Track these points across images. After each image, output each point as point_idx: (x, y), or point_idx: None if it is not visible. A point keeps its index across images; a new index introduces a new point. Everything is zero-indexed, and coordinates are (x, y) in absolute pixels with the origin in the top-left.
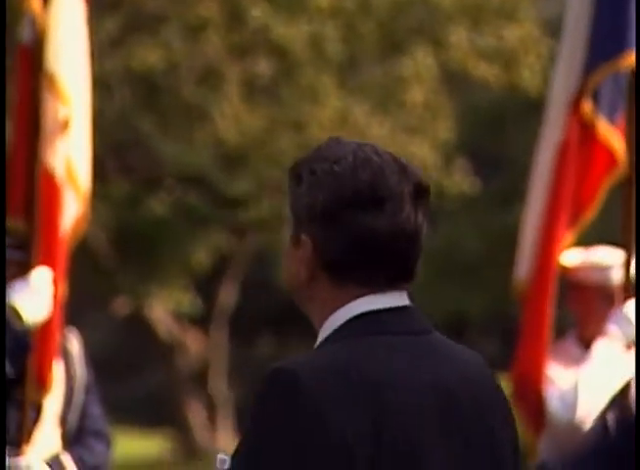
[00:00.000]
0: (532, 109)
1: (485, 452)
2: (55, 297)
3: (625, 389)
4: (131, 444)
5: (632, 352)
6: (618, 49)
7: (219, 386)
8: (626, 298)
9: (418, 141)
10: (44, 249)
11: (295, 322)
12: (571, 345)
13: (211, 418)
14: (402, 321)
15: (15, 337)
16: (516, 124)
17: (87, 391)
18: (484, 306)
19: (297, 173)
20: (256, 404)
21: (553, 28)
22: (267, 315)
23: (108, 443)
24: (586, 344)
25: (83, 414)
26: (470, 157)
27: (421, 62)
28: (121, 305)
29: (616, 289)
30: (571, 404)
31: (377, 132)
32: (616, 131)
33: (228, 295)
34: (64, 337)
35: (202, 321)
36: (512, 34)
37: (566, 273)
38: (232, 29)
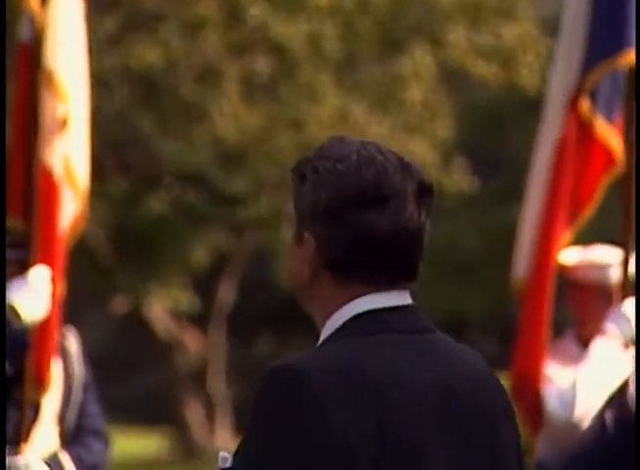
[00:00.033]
0: (531, 107)
1: (486, 451)
2: (53, 295)
3: (623, 387)
4: (129, 442)
5: (630, 351)
6: (616, 48)
7: (218, 384)
8: (624, 296)
9: (417, 140)
10: (42, 247)
11: (293, 321)
12: (569, 343)
13: (210, 417)
14: (405, 320)
15: (13, 335)
16: (514, 123)
17: (85, 389)
18: (483, 305)
19: (300, 172)
20: (257, 402)
21: (551, 27)
22: (266, 314)
23: (106, 441)
24: (584, 342)
25: (81, 413)
26: (468, 155)
27: (419, 60)
28: (120, 304)
29: (614, 288)
30: (570, 403)
31: (375, 131)
32: (613, 130)
33: (227, 293)
34: (62, 335)
35: (200, 320)
36: (510, 33)
37: (564, 272)
38: (231, 28)
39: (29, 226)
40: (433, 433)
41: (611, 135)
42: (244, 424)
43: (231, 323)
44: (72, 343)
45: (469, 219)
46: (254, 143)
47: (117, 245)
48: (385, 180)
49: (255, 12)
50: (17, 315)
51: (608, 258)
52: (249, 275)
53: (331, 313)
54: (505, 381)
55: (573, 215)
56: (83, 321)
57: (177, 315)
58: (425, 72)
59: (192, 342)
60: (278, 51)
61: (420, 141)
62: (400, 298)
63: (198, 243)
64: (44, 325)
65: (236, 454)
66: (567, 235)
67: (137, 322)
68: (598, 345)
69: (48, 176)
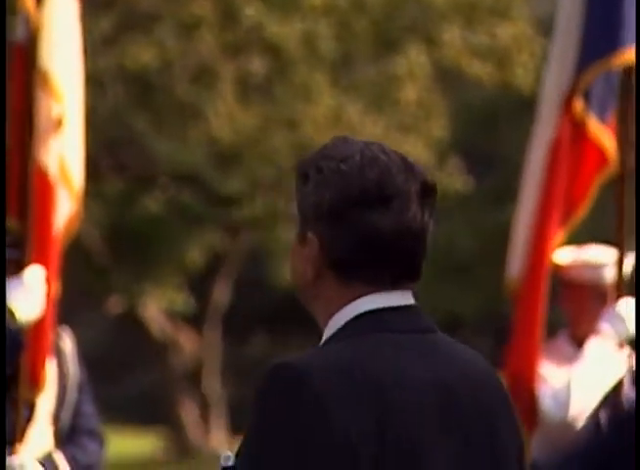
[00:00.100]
0: (526, 107)
1: (485, 451)
2: (48, 295)
3: (618, 387)
4: (124, 442)
5: (625, 351)
6: (610, 48)
7: (213, 384)
8: (619, 296)
9: (411, 139)
10: (37, 247)
11: (289, 321)
12: (563, 343)
13: (205, 417)
14: (408, 320)
15: (8, 335)
16: (509, 122)
17: (80, 389)
18: (477, 305)
19: (303, 172)
20: (258, 400)
21: (546, 27)
22: (261, 314)
23: (101, 441)
24: (579, 342)
25: (76, 413)
26: (463, 155)
27: (414, 60)
28: (115, 304)
29: (608, 287)
30: (564, 403)
31: (371, 130)
32: (606, 130)
33: (222, 293)
34: (57, 335)
35: (195, 320)
36: (505, 33)
37: (558, 271)
38: (226, 28)
39: (24, 226)
40: (433, 433)
41: (604, 135)
42: (239, 424)
43: (226, 323)
44: (67, 343)
45: (463, 219)
46: (249, 143)
47: (112, 245)
48: (388, 180)
49: (250, 12)
50: (12, 315)
51: (602, 257)
52: (244, 275)
53: (333, 313)
54: None
55: (567, 215)
56: (78, 321)
57: (172, 315)
58: (420, 72)
59: (187, 342)
60: (273, 51)
61: (415, 141)
62: (403, 298)
63: (193, 243)
64: (39, 325)
65: (238, 453)
66: (560, 235)
67: (132, 322)
68: (592, 344)
69: (43, 176)
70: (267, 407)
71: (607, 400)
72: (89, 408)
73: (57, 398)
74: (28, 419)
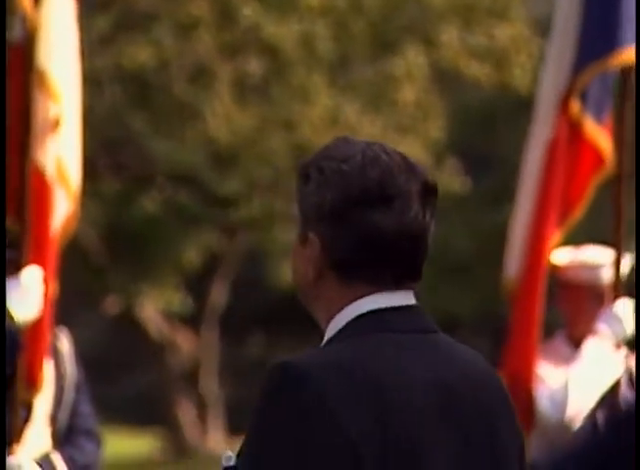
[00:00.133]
0: (523, 108)
1: (485, 451)
2: (45, 295)
3: (615, 388)
4: (121, 443)
5: (622, 352)
6: (607, 49)
7: (210, 385)
8: (616, 297)
9: (409, 140)
10: (35, 247)
11: (286, 321)
12: (560, 344)
13: (202, 417)
14: (409, 320)
15: (8, 335)
16: (507, 123)
17: (77, 390)
18: (474, 306)
19: (304, 172)
20: (259, 400)
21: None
22: (258, 314)
23: (98, 442)
24: (576, 343)
25: (73, 413)
26: (460, 156)
27: (412, 61)
28: (112, 304)
29: (605, 288)
30: (561, 403)
31: (368, 131)
32: (602, 131)
33: (219, 294)
34: (54, 336)
35: (192, 320)
36: (503, 33)
37: (555, 272)
38: (223, 28)
39: (22, 226)
40: (433, 433)
41: (600, 136)
42: (236, 424)
43: (223, 324)
44: (65, 343)
45: (461, 220)
46: (247, 144)
47: (110, 245)
48: (389, 180)
49: (248, 12)
50: (9, 316)
51: (599, 258)
52: (241, 276)
53: (334, 314)
54: None
55: (564, 216)
56: (75, 321)
57: (169, 316)
58: (417, 73)
59: (184, 342)
60: (270, 51)
61: (412, 141)
62: (404, 298)
63: (190, 243)
64: (36, 325)
65: (239, 453)
66: (558, 235)
67: (129, 322)
68: (590, 345)
69: (40, 176)
70: (267, 407)
71: (604, 401)
72: (86, 409)
73: (54, 398)
74: (26, 420)
